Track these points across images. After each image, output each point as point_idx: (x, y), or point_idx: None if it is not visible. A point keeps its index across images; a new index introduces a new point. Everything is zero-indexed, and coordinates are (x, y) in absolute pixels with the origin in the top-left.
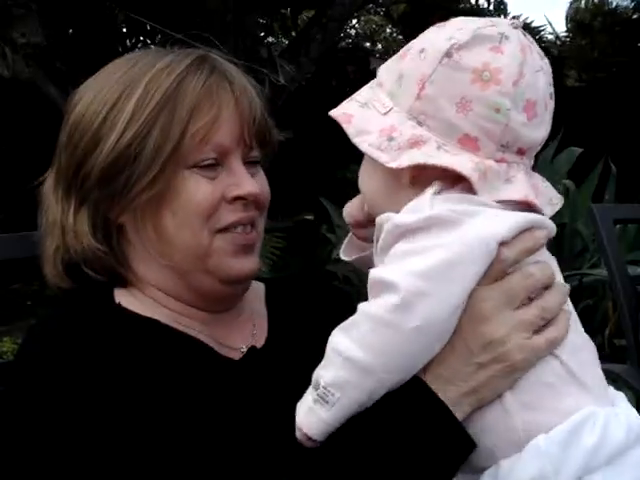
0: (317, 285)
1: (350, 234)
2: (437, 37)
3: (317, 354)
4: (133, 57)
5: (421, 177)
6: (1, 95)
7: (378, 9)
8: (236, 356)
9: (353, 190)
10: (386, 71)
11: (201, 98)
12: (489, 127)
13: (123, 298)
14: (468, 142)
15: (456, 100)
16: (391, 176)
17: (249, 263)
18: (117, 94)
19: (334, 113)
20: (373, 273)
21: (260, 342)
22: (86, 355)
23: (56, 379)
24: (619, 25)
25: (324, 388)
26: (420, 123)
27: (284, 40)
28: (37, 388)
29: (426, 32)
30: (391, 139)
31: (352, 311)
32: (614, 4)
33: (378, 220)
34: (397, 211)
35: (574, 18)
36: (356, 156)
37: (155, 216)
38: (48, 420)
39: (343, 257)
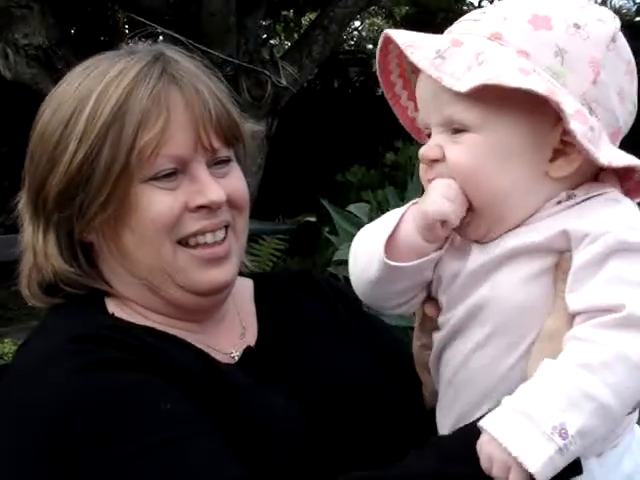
0: (306, 277)
1: (400, 230)
2: (589, 15)
3: (308, 351)
4: (90, 65)
5: (573, 174)
6: (3, 96)
7: (380, 11)
8: (227, 360)
9: (353, 192)
10: (518, 34)
11: (149, 108)
12: (629, 121)
13: (114, 309)
14: (616, 136)
15: (617, 90)
16: (536, 170)
17: (221, 274)
18: (70, 110)
19: (539, 88)
20: (620, 301)
21: (251, 343)
22: (109, 364)
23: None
24: (622, 27)
25: (572, 437)
26: (591, 111)
27: (287, 42)
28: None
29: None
30: (592, 129)
31: (342, 300)
32: (617, 6)
33: (586, 229)
34: (530, 207)
35: None
36: (359, 157)
37: (116, 235)
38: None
39: (393, 263)
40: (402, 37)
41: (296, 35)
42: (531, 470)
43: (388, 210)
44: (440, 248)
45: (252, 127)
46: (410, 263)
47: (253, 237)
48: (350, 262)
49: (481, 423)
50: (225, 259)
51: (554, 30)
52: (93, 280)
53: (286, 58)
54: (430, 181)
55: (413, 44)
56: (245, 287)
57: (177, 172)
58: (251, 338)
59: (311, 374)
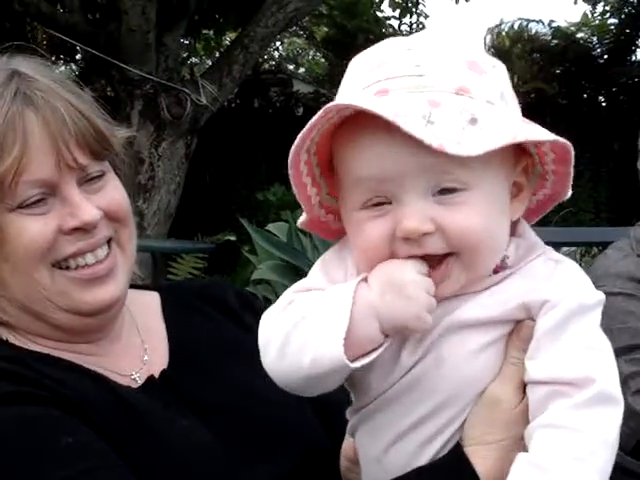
0: (216, 289)
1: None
2: (486, 55)
3: (221, 377)
4: None
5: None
6: None
7: (301, 32)
8: (128, 382)
9: (273, 211)
10: (476, 84)
11: (3, 134)
12: None
13: (7, 336)
14: None
15: None
16: (507, 215)
17: (106, 292)
18: None
19: None
20: (588, 374)
21: (157, 365)
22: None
23: None
24: (538, 52)
25: None
26: None
27: (207, 61)
28: None
29: None
30: None
31: (252, 311)
32: (533, 31)
33: (544, 296)
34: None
35: (494, 44)
36: (279, 176)
37: None
38: None
39: (357, 364)
40: (384, 109)
41: (217, 54)
42: None
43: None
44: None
45: (125, 133)
46: (369, 358)
47: (172, 256)
48: (270, 355)
49: None
50: (108, 277)
51: (489, 74)
52: None
53: (206, 77)
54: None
55: (397, 113)
56: (150, 302)
57: (47, 196)
58: (160, 359)
59: (225, 406)
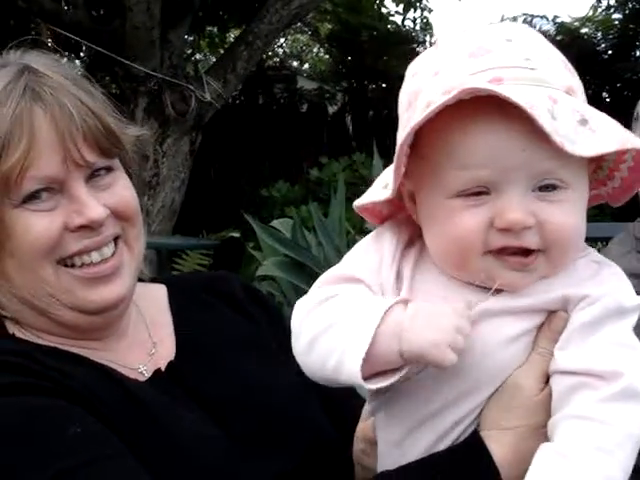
0: (222, 282)
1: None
2: None
3: (228, 370)
4: None
5: None
6: None
7: (305, 29)
8: (135, 376)
9: (277, 207)
10: (577, 84)
11: (11, 130)
12: None
13: (14, 330)
14: None
15: None
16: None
17: (111, 291)
18: None
19: None
20: (617, 368)
21: (164, 358)
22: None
23: None
24: None
25: None
26: None
27: (212, 57)
28: None
29: None
30: None
31: (258, 303)
32: (537, 27)
33: (585, 292)
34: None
35: None
36: (284, 173)
37: None
38: None
39: (371, 387)
40: (520, 98)
41: (221, 51)
42: None
43: (312, 226)
44: None
45: (136, 132)
46: (386, 382)
47: (177, 252)
48: (299, 346)
49: None
50: (114, 275)
51: (575, 75)
52: None
53: (210, 73)
54: (503, 252)
55: (533, 105)
56: (158, 296)
57: (53, 193)
58: (167, 352)
59: (231, 399)
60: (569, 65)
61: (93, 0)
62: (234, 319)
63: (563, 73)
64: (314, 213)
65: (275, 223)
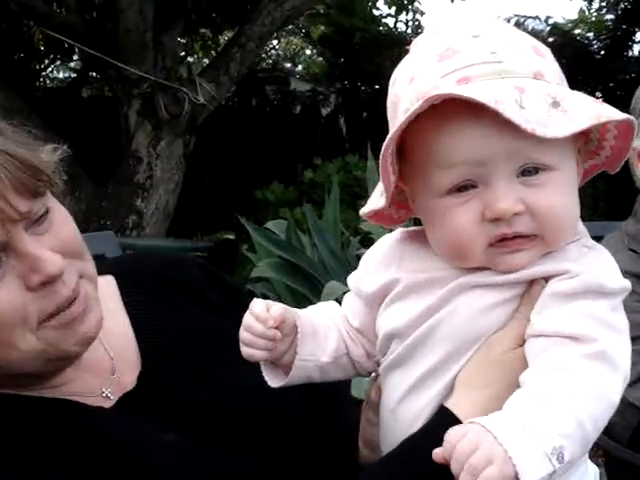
0: (179, 270)
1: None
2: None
3: (199, 375)
4: None
5: None
6: None
7: (298, 31)
8: (100, 403)
9: (272, 209)
10: (549, 69)
11: None
12: None
13: None
14: None
15: None
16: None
17: (89, 326)
18: None
19: None
20: (590, 333)
21: (128, 374)
22: None
23: None
24: None
25: (564, 463)
26: None
27: (204, 60)
28: None
29: None
30: None
31: (217, 284)
32: (530, 27)
33: (567, 267)
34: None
35: None
36: (277, 174)
37: None
38: None
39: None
40: (483, 96)
41: (214, 53)
42: None
43: (306, 227)
44: None
45: (52, 153)
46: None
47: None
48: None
49: (480, 420)
50: (87, 309)
51: (548, 57)
52: None
53: (204, 75)
54: (505, 239)
55: (497, 100)
56: (108, 293)
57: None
58: (130, 365)
59: (208, 406)
60: (542, 50)
61: (86, 3)
62: (196, 314)
63: (532, 59)
64: (308, 215)
65: (269, 225)
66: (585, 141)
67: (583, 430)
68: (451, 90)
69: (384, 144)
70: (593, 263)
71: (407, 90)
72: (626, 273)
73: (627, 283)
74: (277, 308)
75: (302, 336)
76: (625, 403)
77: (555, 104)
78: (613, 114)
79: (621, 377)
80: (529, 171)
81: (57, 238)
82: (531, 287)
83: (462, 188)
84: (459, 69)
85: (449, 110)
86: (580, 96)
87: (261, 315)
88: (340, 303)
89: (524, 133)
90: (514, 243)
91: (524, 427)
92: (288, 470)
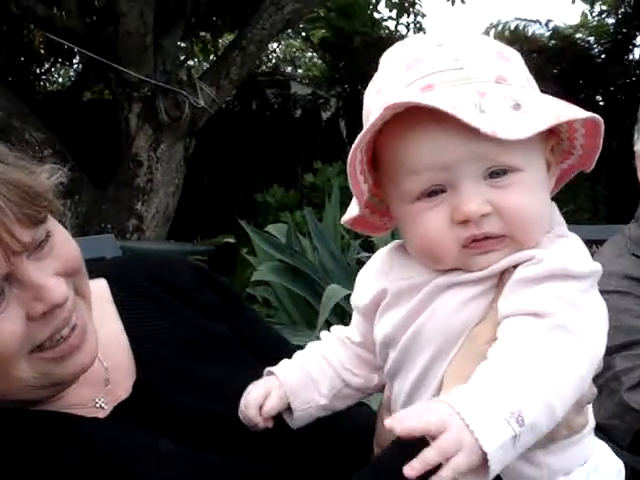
0: (170, 274)
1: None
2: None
3: (195, 383)
4: None
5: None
6: None
7: (298, 34)
8: (94, 413)
9: (272, 213)
10: (514, 72)
11: None
12: None
13: None
14: None
15: None
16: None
17: (86, 356)
18: None
19: None
20: (548, 309)
21: (122, 383)
22: None
23: None
24: (535, 52)
25: (526, 427)
26: None
27: (205, 63)
28: None
29: None
30: None
31: (211, 286)
32: (530, 32)
33: (533, 254)
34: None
35: None
36: (278, 178)
37: None
38: None
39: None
40: (441, 103)
41: (214, 56)
42: (486, 449)
43: (307, 231)
44: None
45: (48, 169)
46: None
47: None
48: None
49: (444, 398)
50: (83, 340)
51: (514, 61)
52: None
53: (204, 79)
54: (475, 240)
55: (455, 105)
56: (100, 297)
57: (2, 288)
58: (124, 373)
59: (205, 414)
60: (508, 54)
61: (86, 6)
62: (192, 318)
63: (495, 64)
64: (309, 218)
65: (270, 228)
66: (557, 141)
67: (542, 393)
68: (411, 98)
69: (349, 154)
70: (559, 249)
71: (375, 101)
72: (629, 277)
73: (598, 266)
74: (272, 402)
75: (292, 392)
76: (624, 407)
77: (516, 106)
78: (574, 113)
79: (584, 351)
80: (497, 173)
81: (59, 260)
82: (504, 275)
83: (432, 193)
84: (423, 77)
85: (413, 118)
86: (543, 98)
87: (250, 414)
88: (340, 306)
89: (486, 136)
90: (485, 244)
91: (482, 397)
92: (284, 475)
